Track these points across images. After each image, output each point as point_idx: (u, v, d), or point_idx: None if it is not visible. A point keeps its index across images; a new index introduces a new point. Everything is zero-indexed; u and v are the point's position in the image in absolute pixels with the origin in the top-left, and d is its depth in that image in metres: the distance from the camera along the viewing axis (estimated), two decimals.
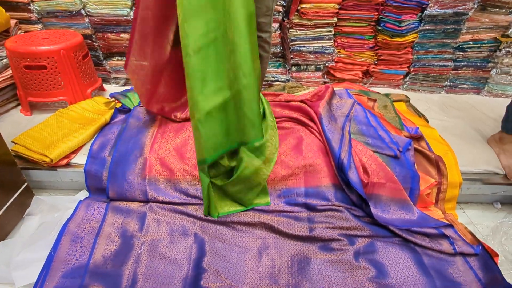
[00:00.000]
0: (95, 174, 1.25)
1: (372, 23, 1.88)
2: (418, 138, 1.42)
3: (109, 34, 1.88)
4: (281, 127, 1.40)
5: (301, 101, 1.48)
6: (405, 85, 2.06)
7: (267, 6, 1.32)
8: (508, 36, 1.81)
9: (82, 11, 1.80)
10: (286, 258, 1.04)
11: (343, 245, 1.06)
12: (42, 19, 1.86)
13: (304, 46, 1.91)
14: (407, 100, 1.84)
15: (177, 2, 0.98)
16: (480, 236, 1.19)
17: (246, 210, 1.17)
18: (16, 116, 1.66)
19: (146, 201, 1.21)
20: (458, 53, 1.91)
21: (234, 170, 1.16)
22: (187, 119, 1.43)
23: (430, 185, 1.24)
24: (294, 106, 1.46)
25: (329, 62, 1.99)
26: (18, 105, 1.73)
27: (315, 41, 1.91)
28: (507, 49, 1.84)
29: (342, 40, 1.93)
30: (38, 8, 1.80)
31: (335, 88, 1.66)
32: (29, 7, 1.80)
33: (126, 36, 1.87)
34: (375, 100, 1.72)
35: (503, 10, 1.74)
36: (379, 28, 1.86)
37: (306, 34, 1.88)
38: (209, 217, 1.15)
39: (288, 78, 2.05)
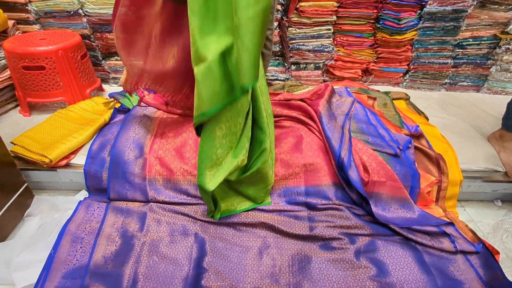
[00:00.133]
0: (94, 174, 1.25)
1: (371, 21, 1.87)
2: (418, 136, 1.41)
3: (108, 34, 1.88)
4: (281, 126, 1.40)
5: (301, 100, 1.48)
6: (404, 83, 2.06)
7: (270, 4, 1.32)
8: (507, 33, 1.80)
9: (80, 11, 1.79)
10: (287, 257, 1.04)
11: (344, 244, 1.06)
12: (40, 19, 1.85)
13: (303, 45, 1.91)
14: (407, 98, 1.83)
15: None
16: (481, 234, 1.19)
17: (246, 210, 1.16)
18: (15, 117, 1.66)
19: (146, 201, 1.20)
20: (457, 50, 1.90)
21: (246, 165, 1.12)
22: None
23: (430, 183, 1.24)
24: (294, 105, 1.46)
25: (328, 61, 1.99)
26: (17, 106, 1.73)
27: (314, 40, 1.90)
28: (507, 46, 1.84)
29: (341, 38, 1.92)
30: (35, 9, 1.79)
31: (334, 87, 1.66)
32: (26, 7, 1.79)
33: None
34: (374, 98, 1.72)
35: (503, 7, 1.74)
36: (378, 26, 1.86)
37: (305, 32, 1.87)
38: (209, 217, 1.14)
39: (287, 77, 2.05)
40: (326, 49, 1.93)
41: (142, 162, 1.24)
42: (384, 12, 1.81)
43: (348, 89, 1.74)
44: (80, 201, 1.21)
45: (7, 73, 1.65)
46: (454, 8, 1.75)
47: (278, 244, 1.08)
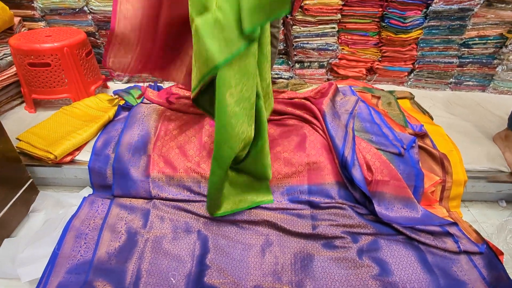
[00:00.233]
0: (99, 171, 1.26)
1: (376, 20, 1.86)
2: (422, 135, 1.41)
3: None
4: (284, 124, 1.40)
5: (305, 98, 1.48)
6: (409, 82, 2.04)
7: None
8: None
9: (85, 8, 1.80)
10: (289, 255, 1.04)
11: (347, 243, 1.06)
12: (45, 16, 1.87)
13: (307, 43, 1.90)
14: (411, 97, 1.82)
15: None
16: (485, 234, 1.19)
17: (249, 208, 1.17)
18: (20, 113, 1.67)
19: (150, 198, 1.21)
20: (463, 49, 1.89)
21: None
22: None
23: (434, 183, 1.24)
24: (298, 103, 1.45)
25: (332, 59, 1.98)
26: (22, 102, 1.74)
27: (319, 38, 1.90)
28: None
29: (346, 36, 1.91)
30: (41, 6, 1.80)
31: (338, 85, 1.65)
32: (32, 4, 1.80)
33: None
34: (379, 97, 1.71)
35: (510, 6, 1.72)
36: (383, 24, 1.85)
37: (309, 30, 1.86)
38: None
39: (291, 75, 2.04)
40: (330, 48, 1.92)
41: (146, 159, 1.24)
42: (389, 10, 1.80)
43: (352, 88, 1.74)
44: (85, 197, 1.21)
45: (13, 69, 1.66)
46: (460, 7, 1.73)
47: (281, 242, 1.08)
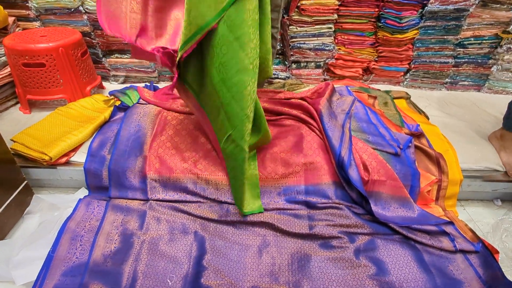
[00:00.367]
0: (94, 172, 1.25)
1: (373, 20, 1.87)
2: (418, 135, 1.41)
3: None
4: (281, 125, 1.39)
5: (301, 98, 1.48)
6: (405, 82, 2.05)
7: (276, 3, 1.33)
8: (509, 33, 1.80)
9: (81, 8, 1.79)
10: (286, 256, 1.04)
11: (344, 243, 1.06)
12: (40, 16, 1.85)
13: (304, 43, 1.90)
14: (407, 97, 1.83)
15: None
16: (481, 233, 1.19)
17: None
18: (15, 114, 1.66)
19: (146, 199, 1.20)
20: (458, 49, 1.90)
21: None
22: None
23: (430, 182, 1.24)
24: (294, 103, 1.45)
25: (329, 59, 1.98)
26: (17, 103, 1.73)
27: (315, 38, 1.90)
28: (508, 46, 1.83)
29: (342, 36, 1.92)
30: (36, 5, 1.79)
31: (335, 85, 1.66)
32: (27, 4, 1.79)
33: None
34: (375, 97, 1.71)
35: (504, 6, 1.73)
36: (380, 24, 1.85)
37: (306, 31, 1.87)
38: (209, 215, 1.14)
39: (288, 75, 2.04)
40: (327, 48, 1.93)
41: (142, 160, 1.24)
42: (385, 10, 1.80)
43: (349, 88, 1.74)
44: (80, 199, 1.21)
45: (7, 70, 1.64)
46: (455, 7, 1.74)
47: (278, 243, 1.08)
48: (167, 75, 2.06)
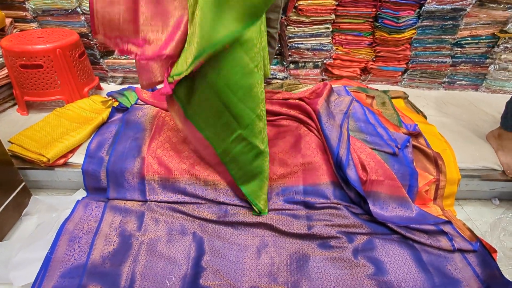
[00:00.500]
0: (92, 173, 1.24)
1: (370, 20, 1.87)
2: (416, 135, 1.42)
3: None
4: (279, 125, 1.39)
5: (299, 98, 1.48)
6: (403, 82, 2.06)
7: (275, 3, 1.33)
8: (506, 32, 1.80)
9: (78, 9, 1.79)
10: (285, 256, 1.04)
11: (342, 243, 1.06)
12: (37, 17, 1.85)
13: (302, 43, 1.91)
14: (405, 97, 1.83)
15: None
16: (479, 232, 1.20)
17: (244, 208, 1.16)
18: (12, 116, 1.65)
19: (145, 200, 1.20)
20: (456, 49, 1.91)
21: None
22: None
23: (428, 182, 1.24)
24: (292, 104, 1.46)
25: (327, 59, 1.99)
26: (14, 104, 1.72)
27: (313, 38, 1.90)
28: (505, 45, 1.84)
29: (340, 37, 1.92)
30: (33, 7, 1.78)
31: (333, 85, 1.66)
32: (24, 5, 1.78)
33: None
34: (373, 97, 1.72)
35: (501, 6, 1.74)
36: (377, 24, 1.86)
37: (304, 31, 1.87)
38: (208, 216, 1.14)
39: (286, 76, 2.05)
40: (324, 48, 1.93)
41: (140, 161, 1.24)
42: (383, 10, 1.81)
43: (347, 88, 1.74)
44: (78, 200, 1.20)
45: (5, 71, 1.64)
46: (453, 7, 1.75)
47: (276, 243, 1.08)
48: None
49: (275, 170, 1.23)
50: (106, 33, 1.01)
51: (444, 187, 1.26)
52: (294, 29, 1.86)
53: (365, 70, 2.05)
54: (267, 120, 1.40)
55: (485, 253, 1.03)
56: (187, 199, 1.20)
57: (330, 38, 1.92)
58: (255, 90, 1.01)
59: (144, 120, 1.43)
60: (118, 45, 1.03)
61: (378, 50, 1.94)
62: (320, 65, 2.02)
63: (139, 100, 1.57)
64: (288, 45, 1.92)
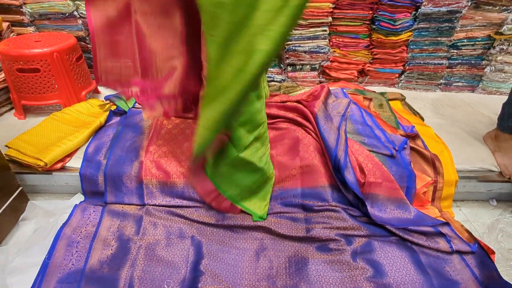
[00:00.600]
0: (90, 177, 1.24)
1: (367, 22, 1.88)
2: (414, 136, 1.42)
3: None
4: (277, 128, 1.40)
5: (297, 101, 1.48)
6: (400, 84, 2.07)
7: None
8: (501, 34, 1.81)
9: (75, 13, 1.79)
10: (284, 259, 1.04)
11: (341, 245, 1.06)
12: (34, 21, 1.85)
13: (299, 46, 1.91)
14: (402, 99, 1.84)
15: None
16: (477, 233, 1.20)
17: (242, 212, 1.16)
18: (9, 120, 1.64)
19: (143, 204, 1.20)
20: (452, 51, 1.92)
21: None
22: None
23: (426, 184, 1.25)
24: (290, 106, 1.46)
25: (324, 62, 1.99)
26: (11, 108, 1.72)
27: (310, 41, 1.91)
28: (501, 47, 1.85)
29: (337, 39, 1.93)
30: (30, 11, 1.78)
31: (330, 88, 1.66)
32: (21, 9, 1.78)
33: None
34: (370, 99, 1.72)
35: (496, 8, 1.75)
36: (374, 27, 1.87)
37: (301, 33, 1.87)
38: (206, 220, 1.14)
39: (283, 78, 2.05)
40: (322, 50, 1.94)
41: (138, 165, 1.23)
42: (379, 13, 1.82)
43: (344, 90, 1.75)
44: (76, 205, 1.20)
45: (2, 75, 1.63)
46: (448, 9, 1.76)
47: (275, 246, 1.08)
48: None
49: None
50: (108, 80, 1.09)
51: (441, 188, 1.27)
52: (292, 31, 1.86)
53: (362, 72, 2.06)
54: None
55: (483, 255, 1.03)
56: (185, 202, 1.19)
57: (327, 40, 1.93)
58: (256, 117, 1.05)
59: (142, 124, 1.43)
60: (120, 88, 1.11)
61: (375, 52, 1.95)
62: (317, 67, 2.02)
63: (136, 104, 1.57)
64: (285, 48, 1.93)
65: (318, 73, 2.05)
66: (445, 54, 1.93)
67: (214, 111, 0.92)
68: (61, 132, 1.41)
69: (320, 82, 2.08)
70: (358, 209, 1.18)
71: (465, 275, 0.99)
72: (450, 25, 1.82)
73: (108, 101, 1.65)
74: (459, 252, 1.05)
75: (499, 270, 0.97)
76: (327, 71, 2.02)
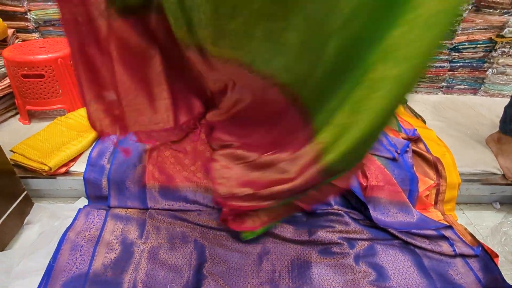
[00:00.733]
0: (94, 182, 1.25)
1: None
2: (416, 139, 1.42)
3: None
4: None
5: None
6: None
7: None
8: (503, 36, 1.82)
9: None
10: (287, 263, 1.04)
11: (343, 249, 1.06)
12: (39, 28, 1.87)
13: None
14: (404, 102, 1.84)
15: None
16: (480, 237, 1.19)
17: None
18: (14, 125, 1.66)
19: (146, 208, 1.21)
20: (453, 54, 1.92)
21: None
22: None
23: (429, 187, 1.25)
24: None
25: None
26: (16, 114, 1.73)
27: None
28: (502, 49, 1.85)
29: None
30: (35, 17, 1.81)
31: None
32: (26, 16, 1.81)
33: None
34: None
35: (497, 11, 1.76)
36: None
37: None
38: (209, 223, 1.15)
39: None
40: None
41: (141, 169, 1.24)
42: None
43: None
44: (80, 209, 1.21)
45: (7, 81, 1.65)
46: None
47: (278, 250, 1.08)
48: None
49: None
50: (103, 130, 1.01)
51: (444, 191, 1.27)
52: None
53: None
54: None
55: (486, 258, 1.03)
56: (188, 206, 1.20)
57: None
58: None
59: None
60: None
61: None
62: None
63: None
64: None
65: None
66: (447, 57, 1.93)
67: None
68: (65, 137, 1.43)
69: None
70: (361, 213, 1.18)
71: (469, 279, 0.99)
72: (451, 28, 1.82)
73: None
74: (462, 256, 1.05)
75: (502, 274, 0.97)
76: None
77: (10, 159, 1.26)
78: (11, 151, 1.33)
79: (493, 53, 1.88)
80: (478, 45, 1.88)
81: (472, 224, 1.27)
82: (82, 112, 1.61)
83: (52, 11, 1.78)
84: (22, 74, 1.51)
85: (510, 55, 1.86)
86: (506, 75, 1.93)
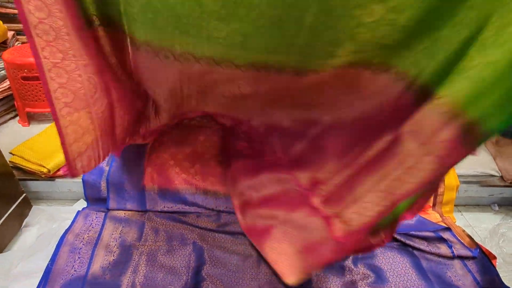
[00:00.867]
0: (93, 184, 1.25)
1: None
2: None
3: None
4: None
5: None
6: None
7: None
8: None
9: None
10: None
11: None
12: None
13: None
14: None
15: None
16: (478, 238, 1.20)
17: None
18: (14, 127, 1.66)
19: (145, 210, 1.21)
20: None
21: None
22: None
23: None
24: None
25: None
26: (16, 116, 1.73)
27: None
28: None
29: None
30: None
31: None
32: None
33: None
34: None
35: None
36: None
37: None
38: (208, 225, 1.15)
39: None
40: None
41: (140, 171, 1.24)
42: None
43: None
44: (79, 211, 1.21)
45: (6, 83, 1.66)
46: None
47: None
48: None
49: None
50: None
51: (442, 193, 1.27)
52: None
53: None
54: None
55: (484, 260, 1.03)
56: (187, 208, 1.20)
57: None
58: None
59: None
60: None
61: None
62: None
63: None
64: None
65: None
66: None
67: None
68: None
69: None
70: None
71: (467, 281, 0.99)
72: None
73: None
74: (460, 257, 1.05)
75: (500, 275, 0.97)
76: None
77: (9, 161, 1.26)
78: (10, 153, 1.33)
79: None
80: None
81: (470, 226, 1.27)
82: None
83: None
84: (22, 77, 1.51)
85: None
86: None
